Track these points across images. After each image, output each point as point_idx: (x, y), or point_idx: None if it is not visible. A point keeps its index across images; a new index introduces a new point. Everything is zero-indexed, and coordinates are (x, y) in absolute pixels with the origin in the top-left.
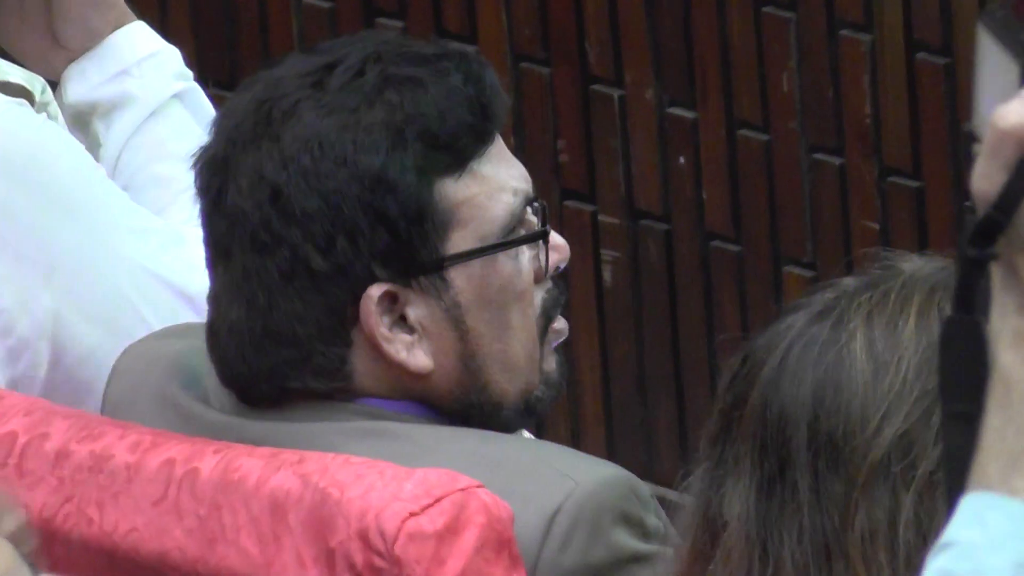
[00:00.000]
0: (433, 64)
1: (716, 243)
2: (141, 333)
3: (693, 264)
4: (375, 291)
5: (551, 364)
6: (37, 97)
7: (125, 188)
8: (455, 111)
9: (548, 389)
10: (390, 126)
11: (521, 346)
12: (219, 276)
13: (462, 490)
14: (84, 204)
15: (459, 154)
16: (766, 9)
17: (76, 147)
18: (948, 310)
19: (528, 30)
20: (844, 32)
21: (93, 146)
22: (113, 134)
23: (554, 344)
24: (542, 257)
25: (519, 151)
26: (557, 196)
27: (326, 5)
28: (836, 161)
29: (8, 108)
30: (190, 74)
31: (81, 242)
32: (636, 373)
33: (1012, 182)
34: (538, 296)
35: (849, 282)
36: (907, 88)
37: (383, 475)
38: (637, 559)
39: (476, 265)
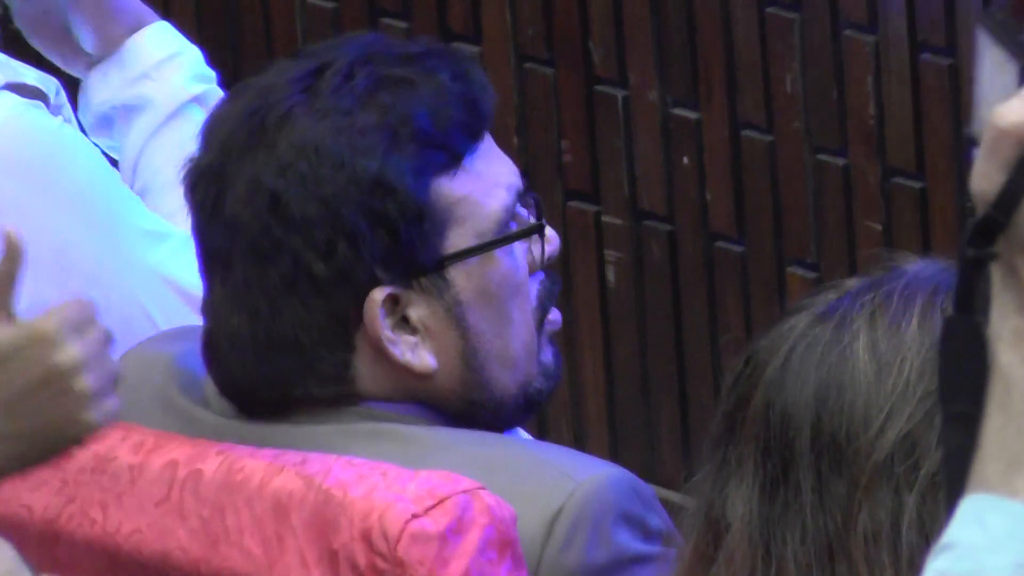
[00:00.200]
0: (420, 63)
1: (720, 244)
2: None
3: (697, 265)
4: (378, 294)
5: (548, 355)
6: (52, 99)
7: (143, 192)
8: (447, 109)
9: (546, 381)
10: (385, 128)
11: (520, 340)
12: (217, 286)
13: (465, 491)
14: (99, 207)
15: (453, 152)
16: (770, 10)
17: (91, 150)
18: (950, 311)
19: (532, 30)
20: (848, 32)
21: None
22: (131, 138)
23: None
24: (535, 249)
25: (523, 152)
26: (561, 196)
27: (330, 5)
28: (840, 162)
29: (25, 110)
30: (212, 75)
31: (95, 246)
32: (639, 374)
33: (1011, 182)
34: (533, 288)
35: (852, 283)
36: (911, 89)
37: (386, 476)
38: (639, 559)
39: (475, 262)
